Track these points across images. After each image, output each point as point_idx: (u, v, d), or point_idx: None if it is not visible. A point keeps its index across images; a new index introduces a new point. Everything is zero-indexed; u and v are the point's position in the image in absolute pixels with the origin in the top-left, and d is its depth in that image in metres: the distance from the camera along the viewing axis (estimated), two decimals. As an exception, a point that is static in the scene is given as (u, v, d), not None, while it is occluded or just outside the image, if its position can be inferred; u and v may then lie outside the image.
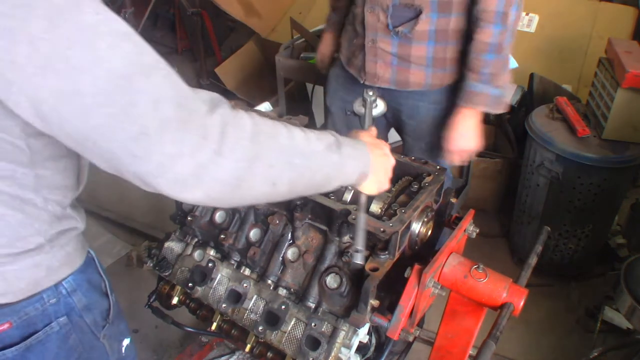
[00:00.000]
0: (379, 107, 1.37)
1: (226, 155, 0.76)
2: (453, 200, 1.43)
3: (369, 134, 1.19)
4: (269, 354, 1.37)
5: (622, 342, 2.31)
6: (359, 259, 1.11)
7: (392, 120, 2.00)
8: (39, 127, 0.75)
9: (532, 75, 3.02)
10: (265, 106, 1.81)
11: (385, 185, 1.14)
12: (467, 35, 1.71)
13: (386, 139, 2.08)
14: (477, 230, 1.35)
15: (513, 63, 1.92)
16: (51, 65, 0.68)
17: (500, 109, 1.71)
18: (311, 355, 1.22)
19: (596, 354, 2.23)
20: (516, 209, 2.77)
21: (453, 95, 1.78)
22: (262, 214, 1.34)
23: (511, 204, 2.83)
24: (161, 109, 0.72)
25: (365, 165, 1.04)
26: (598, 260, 2.72)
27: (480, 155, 2.99)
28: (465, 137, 1.74)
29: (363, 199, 1.16)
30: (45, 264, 0.96)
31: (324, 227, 1.28)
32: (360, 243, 1.11)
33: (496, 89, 1.66)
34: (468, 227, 1.33)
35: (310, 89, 3.22)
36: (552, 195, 2.47)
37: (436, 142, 1.87)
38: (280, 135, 0.86)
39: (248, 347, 1.37)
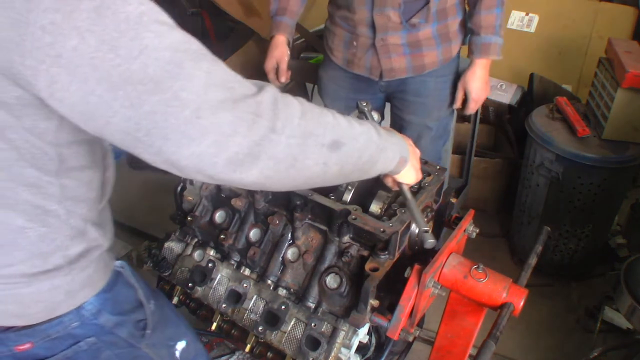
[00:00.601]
0: (375, 119, 1.36)
1: (280, 131, 0.76)
2: (453, 200, 1.43)
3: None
4: (269, 354, 1.37)
5: (622, 342, 2.31)
6: (430, 239, 1.09)
7: (394, 109, 2.06)
8: (80, 124, 0.74)
9: (532, 75, 3.02)
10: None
11: (420, 174, 1.15)
12: (461, 4, 1.93)
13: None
14: (477, 230, 1.35)
15: None
16: (100, 57, 0.67)
17: (501, 55, 1.95)
18: (311, 355, 1.22)
19: (596, 354, 2.23)
20: (516, 209, 2.77)
21: (455, 64, 2.02)
22: (262, 214, 1.34)
23: (511, 204, 2.83)
24: (212, 91, 0.72)
25: (405, 151, 1.05)
26: (598, 260, 2.72)
27: (480, 155, 2.99)
28: (485, 84, 1.98)
29: (404, 188, 1.15)
30: (64, 288, 0.92)
31: (324, 227, 1.28)
32: (423, 223, 1.10)
33: (501, 38, 1.91)
34: (468, 227, 1.33)
35: (310, 89, 3.22)
36: (552, 195, 2.47)
37: (444, 115, 2.05)
38: (326, 114, 0.86)
39: (248, 347, 1.37)
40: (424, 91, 1.98)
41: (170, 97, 0.69)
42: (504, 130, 3.21)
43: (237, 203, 1.33)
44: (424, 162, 1.41)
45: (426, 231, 1.08)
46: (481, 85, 1.97)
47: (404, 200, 1.16)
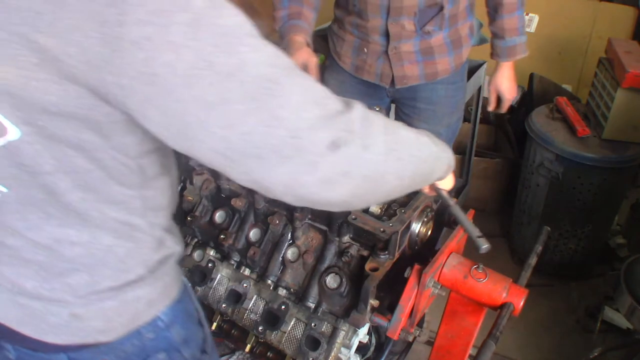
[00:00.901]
0: None
1: (370, 149, 0.74)
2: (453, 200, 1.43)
3: None
4: (269, 354, 1.37)
5: (622, 342, 2.31)
6: (485, 244, 1.07)
7: (402, 115, 2.05)
8: (168, 142, 0.71)
9: (532, 75, 3.02)
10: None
11: (454, 179, 1.15)
12: (471, 7, 1.90)
13: None
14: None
15: (486, 39, 2.12)
16: (196, 74, 0.63)
17: (527, 51, 1.99)
18: (311, 355, 1.22)
19: (596, 354, 2.23)
20: (516, 209, 2.77)
21: (464, 70, 2.03)
22: (262, 214, 1.34)
23: (511, 204, 2.83)
24: (308, 108, 0.69)
25: (451, 157, 1.03)
26: (598, 260, 2.72)
27: (480, 155, 2.99)
28: (514, 82, 2.04)
29: (444, 194, 1.14)
30: (146, 297, 0.90)
31: (323, 227, 1.28)
32: (474, 229, 1.09)
33: (525, 36, 1.94)
34: (468, 227, 1.33)
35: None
36: (552, 195, 2.47)
37: (454, 121, 2.06)
38: (397, 126, 0.84)
39: (248, 347, 1.37)
40: (435, 98, 1.96)
41: (269, 117, 0.66)
42: (504, 130, 3.21)
43: (237, 203, 1.33)
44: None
45: (480, 236, 1.07)
46: (511, 85, 2.03)
47: (445, 205, 1.14)
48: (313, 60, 1.69)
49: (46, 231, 0.80)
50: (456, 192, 1.48)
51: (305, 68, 1.67)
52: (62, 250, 0.81)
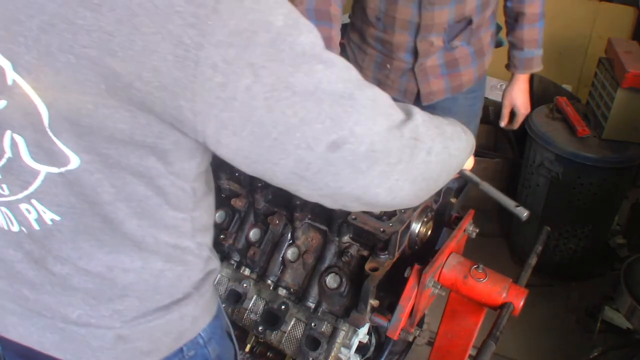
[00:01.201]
0: None
1: (432, 152, 0.76)
2: (453, 200, 1.43)
3: None
4: (269, 354, 1.37)
5: (622, 342, 2.31)
6: (525, 212, 1.10)
7: None
8: (240, 166, 0.68)
9: (532, 75, 3.02)
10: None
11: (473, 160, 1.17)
12: (494, 15, 1.86)
13: None
14: (477, 230, 1.35)
15: (504, 42, 2.04)
16: (275, 97, 0.61)
17: (542, 65, 1.95)
18: (311, 355, 1.22)
19: (596, 354, 2.23)
20: (516, 209, 2.77)
21: (485, 79, 1.98)
22: (262, 214, 1.34)
23: (511, 204, 2.83)
24: (380, 121, 0.69)
25: (473, 141, 1.04)
26: (598, 260, 2.72)
27: (480, 155, 2.99)
28: (529, 97, 1.99)
29: (470, 174, 1.17)
30: (191, 315, 0.88)
31: (323, 227, 1.28)
32: (511, 202, 1.12)
33: (542, 49, 1.91)
34: (468, 227, 1.33)
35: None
36: (552, 195, 2.47)
37: (471, 129, 1.95)
38: (442, 122, 0.86)
39: (248, 347, 1.37)
40: (454, 108, 1.91)
41: (347, 134, 0.65)
42: (504, 130, 3.21)
43: (237, 203, 1.33)
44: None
45: (518, 205, 1.10)
46: (527, 99, 1.97)
47: (473, 184, 1.18)
48: None
49: (98, 259, 0.77)
50: (456, 192, 1.48)
51: None
52: (114, 277, 0.78)
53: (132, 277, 0.79)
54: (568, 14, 3.27)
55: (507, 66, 1.95)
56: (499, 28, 2.02)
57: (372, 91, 0.69)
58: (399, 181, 0.72)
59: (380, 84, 1.88)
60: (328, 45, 1.63)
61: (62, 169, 0.66)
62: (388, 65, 1.83)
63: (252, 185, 1.31)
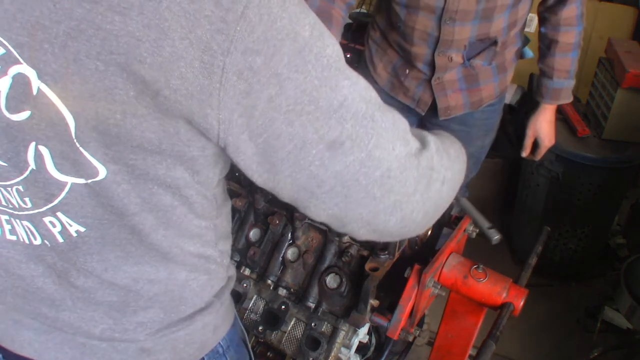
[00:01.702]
0: None
1: (446, 182, 0.74)
2: (453, 200, 1.43)
3: None
4: (269, 354, 1.37)
5: (622, 342, 2.31)
6: (496, 235, 1.09)
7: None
8: (253, 176, 0.67)
9: (532, 76, 3.02)
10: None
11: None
12: (521, 32, 1.78)
13: None
14: (477, 230, 1.34)
15: (528, 53, 1.95)
16: (297, 111, 0.59)
17: (572, 97, 1.83)
18: (311, 355, 1.22)
19: (596, 354, 2.23)
20: (516, 209, 2.77)
21: (504, 93, 1.88)
22: (262, 214, 1.34)
23: (511, 204, 2.83)
24: (398, 147, 0.67)
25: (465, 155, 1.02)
26: (598, 260, 2.72)
27: (480, 155, 2.99)
28: (554, 129, 1.87)
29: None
30: (212, 324, 0.87)
31: (324, 227, 1.28)
32: (485, 222, 1.10)
33: (574, 80, 1.78)
34: (468, 227, 1.33)
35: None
36: (552, 195, 2.47)
37: (487, 143, 1.94)
38: (448, 145, 0.82)
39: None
40: (470, 121, 1.84)
41: (365, 157, 0.64)
42: (504, 130, 3.21)
43: (237, 203, 1.33)
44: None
45: (490, 227, 1.09)
46: (552, 130, 1.86)
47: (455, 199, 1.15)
48: None
49: (124, 271, 0.75)
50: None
51: None
52: (139, 289, 0.77)
53: (157, 289, 0.78)
54: (568, 14, 3.27)
55: (535, 94, 1.85)
56: (526, 41, 1.93)
57: (392, 115, 0.68)
58: (413, 212, 0.71)
59: (394, 87, 1.82)
60: (327, 20, 1.62)
61: (89, 181, 0.65)
62: (407, 71, 1.76)
63: (252, 185, 1.31)
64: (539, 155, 1.90)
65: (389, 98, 1.82)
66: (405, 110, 1.83)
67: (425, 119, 1.89)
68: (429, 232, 1.33)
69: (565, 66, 1.73)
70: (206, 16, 0.54)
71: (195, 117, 0.59)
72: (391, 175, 0.67)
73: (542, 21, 1.72)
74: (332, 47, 0.62)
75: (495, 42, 1.65)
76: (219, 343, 0.90)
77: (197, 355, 0.87)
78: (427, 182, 0.71)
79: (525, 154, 1.91)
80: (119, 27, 0.54)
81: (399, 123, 0.69)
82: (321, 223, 1.28)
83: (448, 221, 1.45)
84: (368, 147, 0.64)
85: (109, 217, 0.69)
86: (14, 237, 0.73)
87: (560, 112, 2.52)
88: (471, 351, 1.31)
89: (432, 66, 1.69)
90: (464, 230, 1.32)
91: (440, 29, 1.59)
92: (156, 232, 0.72)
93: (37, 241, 0.73)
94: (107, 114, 0.58)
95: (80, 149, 0.61)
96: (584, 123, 2.42)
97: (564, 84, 1.76)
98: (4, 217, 0.72)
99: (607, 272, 2.70)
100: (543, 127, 1.84)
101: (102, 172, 0.64)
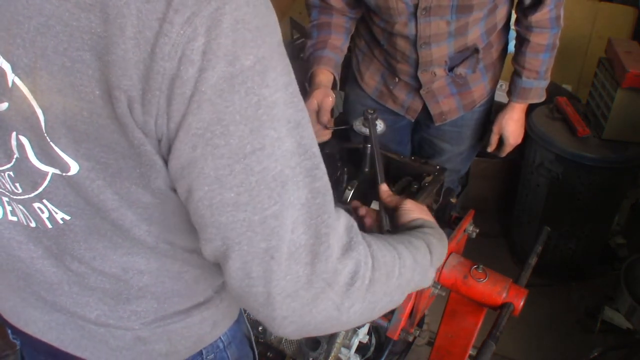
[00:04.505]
0: (379, 127, 1.33)
1: (343, 310, 0.65)
2: (453, 200, 1.43)
3: (417, 205, 1.03)
4: (269, 354, 1.37)
5: (622, 342, 2.31)
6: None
7: (424, 135, 1.93)
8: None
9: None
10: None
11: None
12: (506, 27, 1.75)
13: (408, 143, 2.01)
14: (477, 230, 1.35)
15: (510, 47, 1.92)
16: (205, 138, 0.56)
17: (544, 97, 1.79)
18: (311, 355, 1.22)
19: (596, 354, 2.23)
20: (516, 209, 2.77)
21: (493, 92, 1.86)
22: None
23: (511, 204, 2.83)
24: (298, 232, 0.60)
25: (441, 260, 0.93)
26: (598, 260, 2.72)
27: (480, 155, 2.99)
28: (522, 127, 1.84)
29: None
30: (211, 319, 0.86)
31: (323, 227, 1.27)
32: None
33: (546, 81, 1.76)
34: (468, 227, 1.33)
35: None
36: (552, 195, 2.47)
37: (475, 143, 1.92)
38: (393, 276, 0.73)
39: (248, 347, 1.37)
40: (461, 122, 1.84)
41: (258, 221, 0.59)
42: (504, 130, 3.21)
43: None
44: (424, 162, 1.41)
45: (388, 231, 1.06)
46: (519, 130, 1.83)
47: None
48: (328, 101, 1.49)
49: (113, 260, 0.74)
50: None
51: (318, 109, 1.49)
52: (128, 279, 0.76)
53: (147, 279, 0.77)
54: (568, 14, 3.25)
55: (507, 91, 1.82)
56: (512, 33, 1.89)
57: (312, 194, 0.61)
58: (285, 320, 0.63)
59: (383, 95, 1.82)
60: (324, 40, 1.63)
61: (64, 174, 0.65)
62: (396, 79, 1.76)
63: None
64: (502, 153, 1.88)
65: (378, 105, 1.83)
66: (395, 115, 1.84)
67: (418, 123, 1.90)
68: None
69: (536, 66, 1.70)
70: (157, 18, 0.53)
71: (140, 124, 0.57)
72: (275, 257, 0.60)
73: (516, 20, 1.71)
74: (273, 89, 0.57)
75: (476, 50, 1.66)
76: (220, 338, 0.90)
77: (194, 349, 0.87)
78: (315, 295, 0.62)
79: (490, 149, 1.90)
80: (84, 24, 0.54)
81: (315, 208, 0.62)
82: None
83: (448, 221, 1.45)
84: (265, 213, 0.59)
85: (89, 209, 0.69)
86: (14, 219, 0.75)
87: (560, 112, 2.52)
88: (471, 351, 1.31)
89: (419, 80, 1.71)
90: (464, 230, 1.32)
91: (417, 52, 1.61)
92: (138, 227, 0.70)
93: (33, 224, 0.73)
94: (74, 111, 0.58)
95: (51, 143, 0.62)
96: (584, 123, 2.41)
97: (533, 83, 1.73)
98: (5, 199, 0.73)
99: (607, 272, 2.70)
100: (509, 125, 1.80)
101: (74, 168, 0.63)
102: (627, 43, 2.45)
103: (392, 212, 1.02)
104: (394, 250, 0.75)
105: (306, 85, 1.64)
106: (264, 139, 0.57)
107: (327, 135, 1.46)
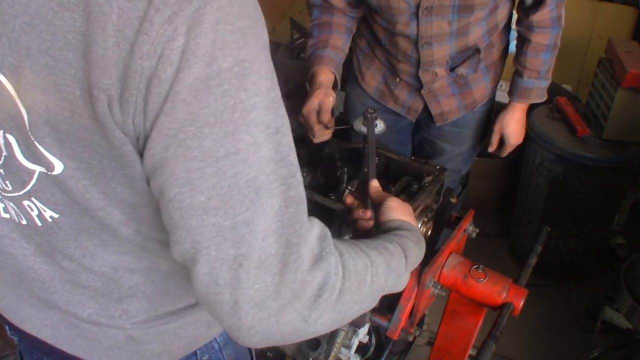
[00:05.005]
0: (379, 127, 1.33)
1: (310, 322, 0.64)
2: (453, 200, 1.43)
3: (401, 204, 1.02)
4: (269, 354, 1.37)
5: (622, 342, 2.31)
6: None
7: (424, 134, 1.92)
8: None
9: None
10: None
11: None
12: (507, 28, 1.74)
13: (409, 143, 2.01)
14: (477, 230, 1.35)
15: (511, 47, 1.91)
16: (178, 139, 0.55)
17: (545, 97, 1.78)
18: (311, 355, 1.22)
19: (596, 354, 2.23)
20: (516, 209, 2.77)
21: (494, 92, 1.86)
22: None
23: (511, 204, 2.83)
24: (269, 240, 0.59)
25: (417, 263, 0.92)
26: (598, 260, 2.72)
27: (480, 155, 2.99)
28: (523, 128, 1.83)
29: None
30: (205, 320, 0.85)
31: (324, 227, 1.27)
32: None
33: (547, 81, 1.75)
34: (468, 227, 1.33)
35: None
36: (552, 195, 2.47)
37: (476, 143, 1.92)
38: (364, 285, 0.72)
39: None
40: (462, 122, 1.84)
41: (228, 227, 0.57)
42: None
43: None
44: (424, 162, 1.41)
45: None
46: (520, 130, 1.82)
47: None
48: (328, 101, 1.47)
49: (102, 259, 0.74)
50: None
51: (319, 109, 1.46)
52: (118, 278, 0.76)
53: (138, 279, 0.77)
54: (568, 14, 3.25)
55: (508, 92, 1.81)
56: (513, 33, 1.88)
57: (286, 203, 0.60)
58: (251, 330, 0.61)
59: (384, 95, 1.82)
60: (325, 40, 1.62)
61: (49, 173, 0.64)
62: (397, 79, 1.76)
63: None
64: (503, 153, 1.88)
65: (378, 105, 1.82)
66: (396, 116, 1.84)
67: (418, 124, 1.90)
68: (429, 232, 1.33)
69: (537, 66, 1.70)
70: (138, 17, 0.52)
71: (120, 124, 0.57)
72: (244, 265, 0.58)
73: (517, 20, 1.71)
74: (250, 94, 0.56)
75: (478, 50, 1.66)
76: (215, 339, 0.90)
77: (188, 349, 0.87)
78: (282, 305, 0.61)
79: (491, 149, 1.89)
80: (68, 23, 0.54)
81: (288, 217, 0.60)
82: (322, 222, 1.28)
83: (448, 221, 1.45)
84: (236, 219, 0.57)
85: (78, 207, 0.68)
86: (7, 216, 0.75)
87: (560, 112, 2.52)
88: (471, 351, 1.31)
89: (420, 80, 1.71)
90: (464, 230, 1.32)
91: (419, 52, 1.61)
92: (127, 226, 0.70)
93: (24, 222, 0.74)
94: (57, 110, 0.58)
95: (35, 142, 0.62)
96: (584, 123, 2.41)
97: (534, 83, 1.73)
98: None
99: (607, 272, 2.70)
100: (510, 125, 1.80)
101: (59, 167, 0.63)
102: (627, 43, 2.45)
103: (377, 208, 1.02)
104: (366, 258, 0.74)
105: (307, 85, 1.63)
106: (239, 143, 0.56)
107: (327, 134, 1.46)
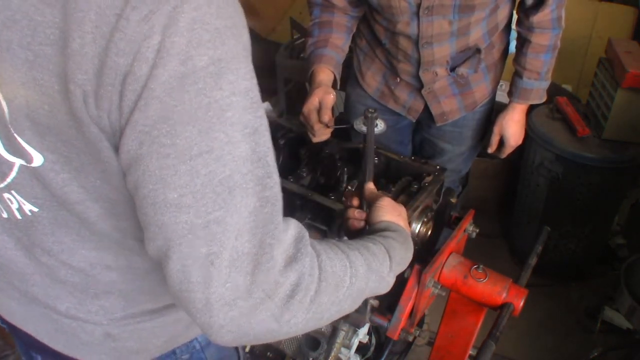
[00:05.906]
0: (379, 127, 1.33)
1: (283, 322, 0.64)
2: (453, 200, 1.43)
3: (392, 204, 1.02)
4: (269, 354, 1.37)
5: (622, 342, 2.31)
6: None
7: (424, 135, 1.92)
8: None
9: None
10: (266, 106, 1.79)
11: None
12: (507, 29, 1.74)
13: (409, 143, 2.01)
14: (477, 230, 1.35)
15: (511, 48, 1.90)
16: (152, 135, 0.55)
17: (545, 98, 1.78)
18: (311, 355, 1.22)
19: (596, 354, 2.23)
20: (516, 209, 2.77)
21: (494, 93, 1.86)
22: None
23: (511, 204, 2.83)
24: (242, 239, 0.59)
25: (405, 264, 0.92)
26: (598, 260, 2.72)
27: (480, 155, 2.99)
28: (523, 129, 1.82)
29: None
30: (186, 320, 0.85)
31: (324, 227, 1.28)
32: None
33: (547, 82, 1.75)
34: (468, 227, 1.33)
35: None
36: (552, 195, 2.47)
37: (476, 143, 1.92)
38: (342, 286, 0.71)
39: (248, 347, 1.37)
40: (462, 122, 1.84)
41: (200, 225, 0.58)
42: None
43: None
44: (424, 162, 1.41)
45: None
46: (519, 130, 1.81)
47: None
48: (329, 99, 1.44)
49: (80, 254, 0.75)
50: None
51: (319, 107, 1.44)
52: (95, 274, 0.76)
53: (115, 276, 0.77)
54: (568, 14, 3.25)
55: (508, 92, 1.80)
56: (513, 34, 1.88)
57: (260, 202, 0.60)
58: (223, 328, 0.61)
59: (384, 95, 1.82)
60: (325, 39, 1.61)
61: (29, 165, 0.65)
62: (398, 79, 1.76)
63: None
64: (503, 154, 1.87)
65: (379, 105, 1.82)
66: (396, 116, 1.84)
67: (419, 124, 1.90)
68: (429, 232, 1.33)
69: (537, 67, 1.70)
70: (115, 14, 0.53)
71: (95, 119, 0.57)
72: (215, 263, 0.58)
73: (517, 20, 1.70)
74: (226, 93, 0.56)
75: (478, 50, 1.66)
76: (196, 339, 0.90)
77: (166, 347, 0.87)
78: (254, 305, 0.61)
79: (491, 150, 1.88)
80: (49, 19, 0.55)
81: (265, 219, 0.61)
82: (321, 223, 1.28)
83: (448, 221, 1.45)
84: (209, 217, 0.57)
85: (57, 200, 0.69)
86: None
87: (560, 112, 2.52)
88: (471, 351, 1.31)
89: (420, 80, 1.71)
90: (464, 230, 1.32)
91: (419, 52, 1.61)
92: (105, 221, 0.70)
93: (5, 215, 0.74)
94: (37, 104, 0.59)
95: (15, 134, 0.62)
96: (584, 123, 2.41)
97: (534, 84, 1.72)
98: None
99: (607, 272, 2.70)
100: (510, 126, 1.79)
101: (38, 160, 0.64)
102: (627, 43, 2.45)
103: (369, 208, 1.03)
104: (345, 259, 0.73)
105: (306, 85, 1.63)
106: (213, 142, 0.56)
107: (327, 134, 1.46)
